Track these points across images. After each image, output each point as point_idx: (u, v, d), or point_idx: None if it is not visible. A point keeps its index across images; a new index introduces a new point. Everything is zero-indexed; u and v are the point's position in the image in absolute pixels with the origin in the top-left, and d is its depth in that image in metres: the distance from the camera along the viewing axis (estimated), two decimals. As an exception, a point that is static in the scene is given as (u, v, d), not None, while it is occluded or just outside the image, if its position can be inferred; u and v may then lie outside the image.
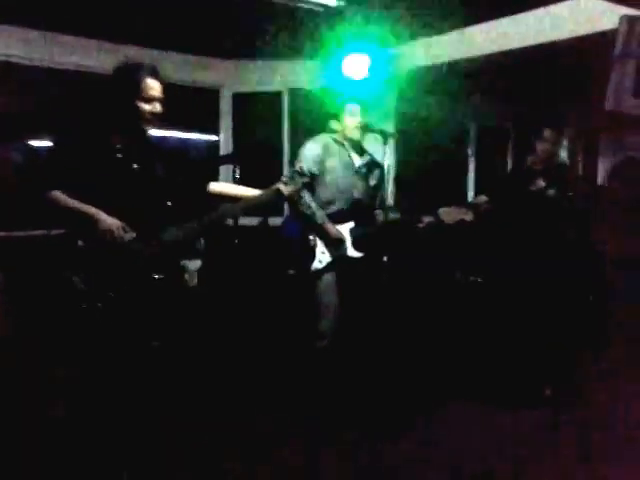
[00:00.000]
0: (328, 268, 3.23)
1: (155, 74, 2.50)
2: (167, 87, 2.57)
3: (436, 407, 3.51)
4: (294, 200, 3.09)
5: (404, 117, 5.56)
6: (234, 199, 2.77)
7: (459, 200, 6.22)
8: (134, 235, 2.44)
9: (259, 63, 5.27)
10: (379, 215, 3.38)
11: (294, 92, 5.40)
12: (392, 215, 3.37)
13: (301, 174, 2.95)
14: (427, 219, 3.21)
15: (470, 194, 6.73)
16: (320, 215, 3.21)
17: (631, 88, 3.10)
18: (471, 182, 6.81)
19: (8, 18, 4.17)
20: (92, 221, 2.38)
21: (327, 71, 4.97)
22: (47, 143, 4.83)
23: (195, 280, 4.85)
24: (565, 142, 4.62)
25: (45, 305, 3.14)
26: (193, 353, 3.50)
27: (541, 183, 3.52)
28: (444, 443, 3.08)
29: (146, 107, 2.47)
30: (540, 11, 4.07)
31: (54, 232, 4.00)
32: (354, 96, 3.42)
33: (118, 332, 2.40)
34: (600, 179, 6.21)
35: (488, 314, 4.07)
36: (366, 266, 3.29)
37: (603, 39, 3.48)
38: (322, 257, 3.23)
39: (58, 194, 2.40)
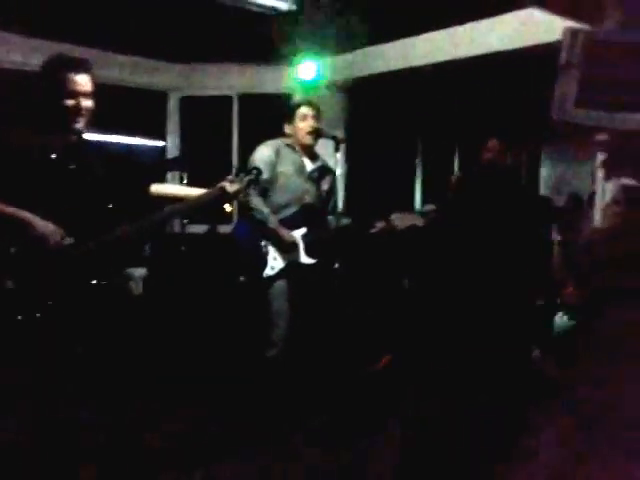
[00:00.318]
0: (280, 275, 3.18)
1: (82, 68, 2.37)
2: (113, 89, 2.46)
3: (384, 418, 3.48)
4: (241, 201, 3.02)
5: (354, 124, 5.59)
6: (178, 200, 2.66)
7: (407, 207, 6.34)
8: (71, 240, 2.28)
9: (209, 67, 5.19)
10: (331, 221, 3.37)
11: (244, 96, 5.34)
12: (344, 221, 3.36)
13: (248, 172, 2.86)
14: (379, 224, 3.21)
15: (418, 201, 6.81)
16: (273, 220, 3.17)
17: (574, 98, 3.19)
18: (418, 189, 6.90)
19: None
20: (26, 227, 2.22)
21: (278, 75, 4.95)
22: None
23: (140, 288, 4.71)
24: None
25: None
26: (136, 362, 3.36)
27: (488, 191, 3.58)
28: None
29: (71, 103, 2.33)
30: (488, 21, 4.17)
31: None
32: (306, 101, 3.40)
33: (56, 341, 2.27)
34: (542, 190, 6.44)
35: (434, 321, 4.11)
36: (318, 273, 3.26)
37: (548, 50, 3.58)
38: (274, 263, 3.18)
39: None
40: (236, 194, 2.66)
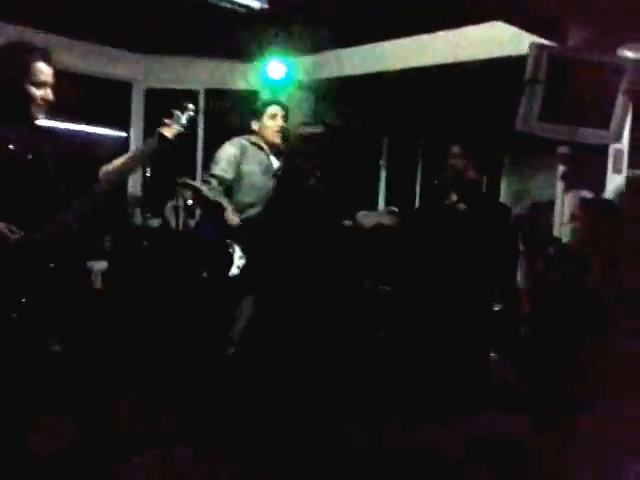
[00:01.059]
0: (244, 274, 3.17)
1: (47, 58, 2.29)
2: (76, 77, 2.40)
3: (349, 418, 3.50)
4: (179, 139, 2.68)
5: (321, 124, 5.60)
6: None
7: (371, 209, 6.39)
8: (21, 234, 2.19)
9: (176, 60, 5.12)
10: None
11: (211, 92, 5.29)
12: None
13: (183, 109, 2.60)
14: (346, 222, 3.23)
15: (381, 204, 6.89)
16: (223, 201, 3.14)
17: (538, 112, 3.28)
18: (382, 192, 6.98)
19: None
20: None
21: (247, 73, 4.93)
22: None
23: (99, 282, 4.62)
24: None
25: None
26: (96, 358, 3.30)
27: (453, 197, 3.64)
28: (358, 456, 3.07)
29: (37, 92, 2.25)
30: (457, 32, 4.24)
31: None
32: (276, 100, 3.39)
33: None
34: (503, 199, 6.58)
35: (398, 323, 4.15)
36: (282, 271, 3.26)
37: (513, 63, 3.67)
38: (240, 263, 3.17)
39: None
40: (177, 137, 2.54)
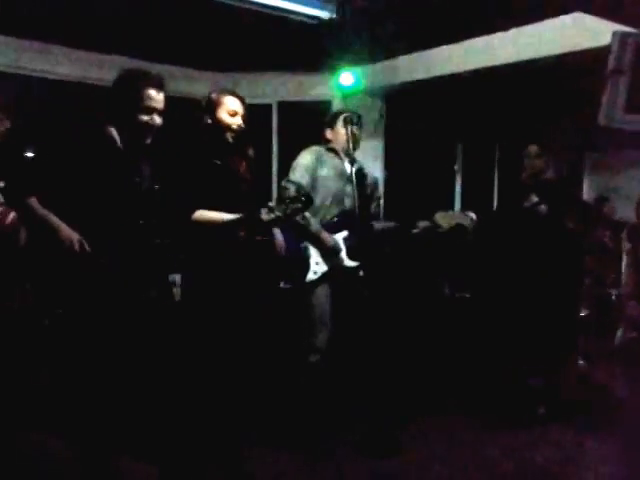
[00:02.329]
0: (323, 279, 3.19)
1: (158, 85, 2.39)
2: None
3: (428, 424, 3.45)
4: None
5: (392, 130, 5.57)
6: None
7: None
8: (89, 250, 2.28)
9: (248, 75, 5.23)
10: (374, 224, 3.37)
11: (283, 104, 5.37)
12: (387, 223, 3.36)
13: (293, 200, 2.79)
14: (423, 224, 3.18)
15: (457, 209, 6.75)
16: (314, 224, 3.17)
17: (623, 104, 3.11)
18: (458, 197, 6.84)
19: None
20: (53, 232, 2.26)
21: (318, 83, 4.97)
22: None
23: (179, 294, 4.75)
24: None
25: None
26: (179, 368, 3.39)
27: (534, 199, 3.51)
28: (436, 461, 3.03)
29: (145, 119, 2.36)
30: (529, 27, 4.11)
31: None
32: (348, 108, 3.41)
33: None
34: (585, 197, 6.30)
35: (477, 330, 4.04)
36: (361, 275, 3.24)
37: (593, 55, 3.51)
38: (316, 268, 3.19)
39: (33, 200, 2.28)
40: (273, 222, 2.67)
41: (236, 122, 2.87)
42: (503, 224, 3.68)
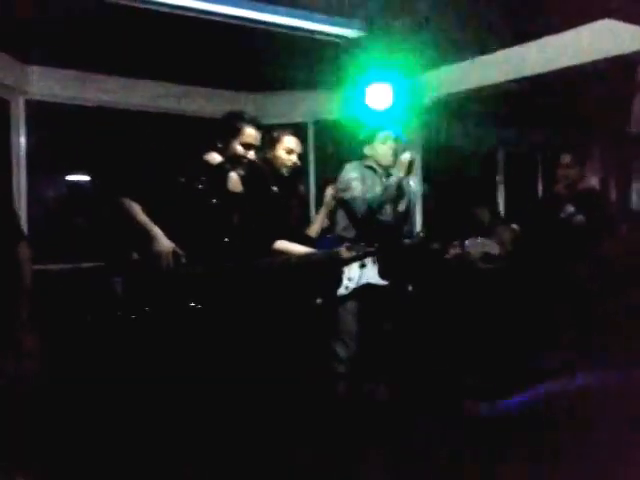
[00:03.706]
0: (353, 295, 3.23)
1: (256, 123, 2.81)
2: (193, 120, 2.70)
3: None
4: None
5: (429, 145, 5.55)
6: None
7: (490, 228, 6.18)
8: (183, 261, 2.55)
9: (281, 95, 5.33)
10: (408, 242, 3.39)
11: (318, 123, 5.44)
12: (419, 240, 3.37)
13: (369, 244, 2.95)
14: (454, 250, 3.19)
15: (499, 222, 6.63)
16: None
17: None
18: (501, 209, 6.74)
19: (44, 59, 4.36)
20: (150, 239, 2.49)
21: (350, 101, 5.01)
22: (83, 178, 5.00)
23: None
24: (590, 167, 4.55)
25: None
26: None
27: (570, 209, 3.45)
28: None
29: (243, 152, 2.76)
30: (562, 36, 4.04)
31: (84, 265, 4.11)
32: (380, 124, 3.46)
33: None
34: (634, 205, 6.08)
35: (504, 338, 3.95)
36: (391, 294, 3.26)
37: (628, 62, 3.44)
38: (348, 283, 3.24)
39: (133, 203, 2.54)
40: (350, 260, 2.87)
41: (292, 159, 3.18)
42: (539, 235, 3.62)
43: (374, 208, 3.29)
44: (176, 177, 2.64)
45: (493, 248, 3.08)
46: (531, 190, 6.86)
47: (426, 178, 5.43)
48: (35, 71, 4.44)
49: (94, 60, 4.35)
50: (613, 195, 5.53)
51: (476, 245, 3.13)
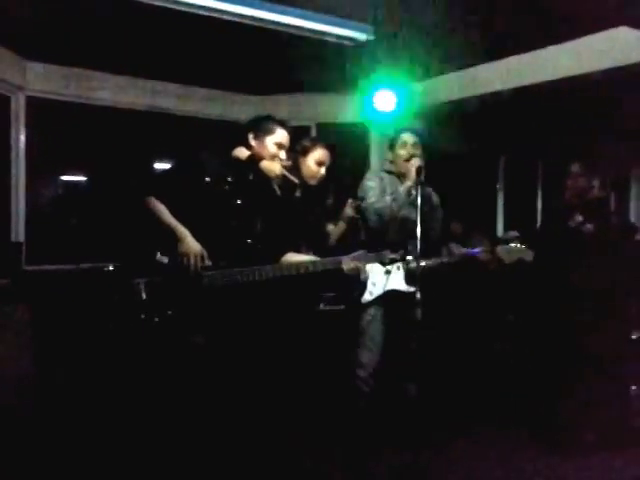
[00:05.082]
0: (377, 301, 3.18)
1: (287, 126, 2.82)
2: (194, 121, 2.65)
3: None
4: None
5: (432, 151, 5.51)
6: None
7: (488, 234, 6.15)
8: (209, 264, 2.50)
9: (287, 97, 5.29)
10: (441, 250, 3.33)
11: (323, 126, 5.39)
12: (453, 250, 3.32)
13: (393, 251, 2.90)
14: (485, 256, 3.14)
15: (499, 228, 6.63)
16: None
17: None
18: (500, 216, 6.72)
19: (44, 56, 4.30)
20: (177, 240, 2.46)
21: (357, 105, 4.98)
22: (81, 178, 4.92)
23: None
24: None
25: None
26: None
27: (579, 218, 3.43)
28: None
29: (275, 150, 2.76)
30: (569, 44, 4.03)
31: (83, 266, 4.04)
32: (406, 129, 3.43)
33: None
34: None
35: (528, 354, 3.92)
36: (417, 301, 3.19)
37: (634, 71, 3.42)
38: (373, 289, 3.20)
39: (158, 203, 2.51)
40: (354, 271, 2.79)
41: (321, 171, 3.22)
42: (547, 243, 3.58)
43: (384, 217, 3.21)
44: (201, 176, 2.60)
45: (528, 255, 3.02)
46: (531, 198, 6.84)
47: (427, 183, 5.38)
48: (36, 68, 4.38)
49: (97, 59, 4.30)
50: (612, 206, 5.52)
51: (509, 251, 3.07)
